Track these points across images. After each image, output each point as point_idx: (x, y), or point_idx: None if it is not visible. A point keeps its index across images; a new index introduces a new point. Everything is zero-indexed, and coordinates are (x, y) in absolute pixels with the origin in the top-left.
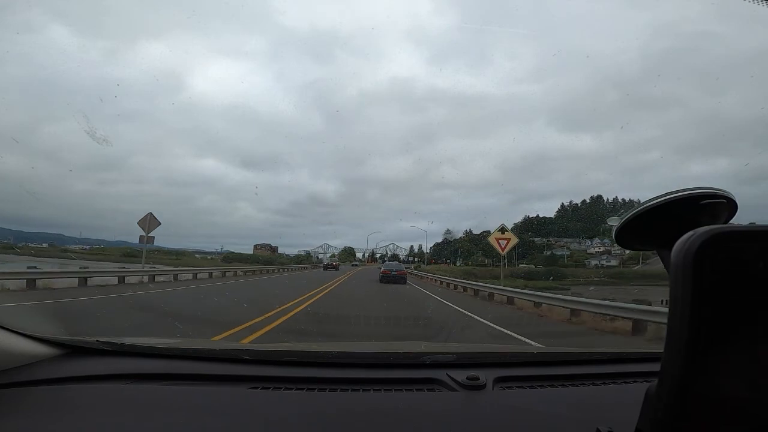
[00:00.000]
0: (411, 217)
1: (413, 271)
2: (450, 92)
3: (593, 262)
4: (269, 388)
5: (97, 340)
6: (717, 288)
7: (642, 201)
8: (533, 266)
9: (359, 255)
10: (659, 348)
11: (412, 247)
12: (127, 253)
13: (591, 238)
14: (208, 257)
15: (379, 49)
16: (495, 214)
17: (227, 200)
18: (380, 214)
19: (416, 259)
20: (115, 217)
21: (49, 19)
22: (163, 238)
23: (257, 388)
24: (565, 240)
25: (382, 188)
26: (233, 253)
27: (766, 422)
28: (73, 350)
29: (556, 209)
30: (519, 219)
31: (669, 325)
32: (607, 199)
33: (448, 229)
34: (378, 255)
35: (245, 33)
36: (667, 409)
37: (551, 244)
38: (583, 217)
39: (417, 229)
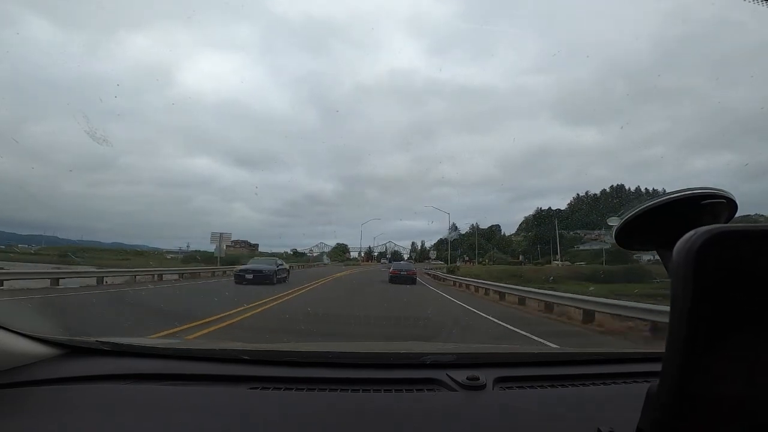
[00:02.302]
0: (410, 216)
1: (450, 276)
2: (450, 85)
3: (645, 257)
4: (269, 388)
5: (96, 340)
6: (717, 287)
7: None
8: (569, 262)
9: (354, 254)
10: (662, 348)
11: (413, 243)
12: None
13: None
14: (168, 257)
15: (377, 39)
16: (495, 211)
17: (222, 200)
18: (379, 213)
19: (431, 255)
20: (112, 219)
21: (40, 15)
22: (159, 240)
23: (257, 388)
24: (596, 232)
25: (380, 187)
26: (198, 251)
27: (764, 420)
28: (72, 350)
29: (568, 202)
30: (520, 216)
31: (670, 325)
32: (629, 188)
33: (454, 224)
34: (375, 253)
35: (237, 23)
36: (665, 408)
37: (580, 236)
38: (610, 208)
39: (422, 224)
